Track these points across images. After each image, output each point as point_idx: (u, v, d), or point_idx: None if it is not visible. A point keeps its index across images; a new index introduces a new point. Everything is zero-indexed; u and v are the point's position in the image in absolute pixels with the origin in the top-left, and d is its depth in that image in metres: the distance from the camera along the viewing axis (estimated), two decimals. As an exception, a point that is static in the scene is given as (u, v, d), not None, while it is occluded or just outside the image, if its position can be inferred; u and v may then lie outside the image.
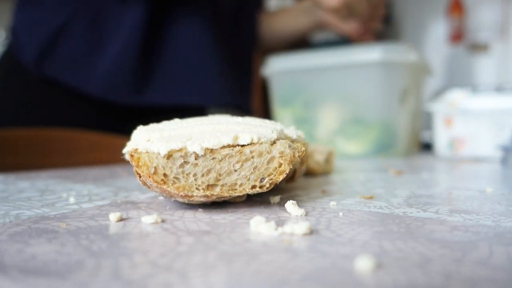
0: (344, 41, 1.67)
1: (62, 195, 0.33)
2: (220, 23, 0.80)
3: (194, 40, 0.75)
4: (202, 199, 0.26)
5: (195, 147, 0.25)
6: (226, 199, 0.27)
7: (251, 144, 0.26)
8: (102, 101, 0.72)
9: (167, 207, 0.27)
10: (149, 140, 0.27)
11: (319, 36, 1.74)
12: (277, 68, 0.84)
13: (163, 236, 0.20)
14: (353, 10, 0.78)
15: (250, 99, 0.88)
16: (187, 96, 0.74)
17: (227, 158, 0.26)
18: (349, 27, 0.81)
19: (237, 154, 0.26)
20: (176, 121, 0.30)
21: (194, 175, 0.25)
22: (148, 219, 0.23)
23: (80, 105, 0.72)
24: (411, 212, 0.26)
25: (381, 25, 0.87)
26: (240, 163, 0.26)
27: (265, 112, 1.46)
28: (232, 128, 0.27)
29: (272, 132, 0.27)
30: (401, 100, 0.75)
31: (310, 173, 0.45)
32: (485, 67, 1.49)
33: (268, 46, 1.01)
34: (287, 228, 0.21)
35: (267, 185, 0.26)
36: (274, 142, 0.27)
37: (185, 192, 0.25)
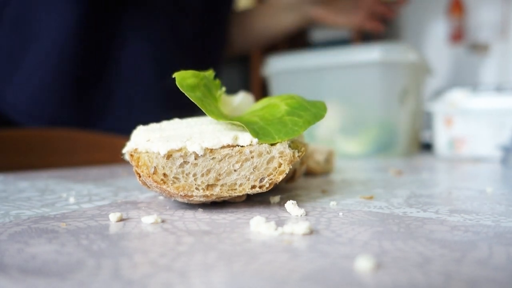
0: (345, 40, 1.66)
1: (62, 195, 0.33)
2: (182, 30, 0.71)
3: (140, 69, 0.66)
4: (202, 199, 0.26)
5: (195, 147, 0.25)
6: (226, 199, 0.27)
7: (250, 144, 0.26)
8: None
9: (167, 207, 0.27)
10: (148, 140, 0.27)
11: (319, 36, 1.74)
12: (277, 68, 0.84)
13: (163, 236, 0.20)
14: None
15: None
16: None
17: (226, 158, 0.26)
18: (347, 19, 0.73)
19: (236, 154, 0.26)
20: (176, 121, 0.30)
21: (194, 175, 0.25)
22: (148, 219, 0.23)
23: None
24: (411, 212, 0.26)
25: (388, 11, 0.75)
26: (240, 163, 0.26)
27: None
28: (232, 128, 0.27)
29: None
30: (401, 100, 0.75)
31: (310, 173, 0.45)
32: (485, 67, 1.49)
33: (248, 47, 0.91)
34: (287, 228, 0.21)
35: (267, 185, 0.26)
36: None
37: (185, 192, 0.25)
